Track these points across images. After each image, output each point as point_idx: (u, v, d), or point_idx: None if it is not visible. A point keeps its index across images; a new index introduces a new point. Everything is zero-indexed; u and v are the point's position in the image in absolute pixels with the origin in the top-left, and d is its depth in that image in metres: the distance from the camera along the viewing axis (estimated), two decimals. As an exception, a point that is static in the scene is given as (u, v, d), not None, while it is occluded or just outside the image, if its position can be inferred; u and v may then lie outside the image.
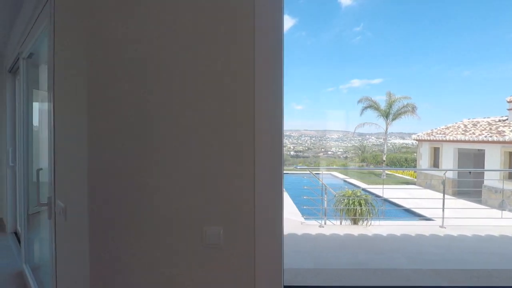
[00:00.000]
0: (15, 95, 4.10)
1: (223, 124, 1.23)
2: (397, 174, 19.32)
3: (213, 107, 1.23)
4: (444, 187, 5.64)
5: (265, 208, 1.25)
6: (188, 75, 1.22)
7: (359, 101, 19.55)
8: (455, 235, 4.58)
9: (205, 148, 1.23)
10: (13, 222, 4.14)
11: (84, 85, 1.24)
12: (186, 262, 1.25)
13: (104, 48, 1.23)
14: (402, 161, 24.87)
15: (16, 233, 4.10)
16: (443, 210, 5.15)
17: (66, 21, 1.53)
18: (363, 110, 19.35)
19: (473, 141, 11.89)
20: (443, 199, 5.31)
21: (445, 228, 4.97)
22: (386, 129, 19.73)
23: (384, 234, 4.53)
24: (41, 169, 1.85)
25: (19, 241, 3.79)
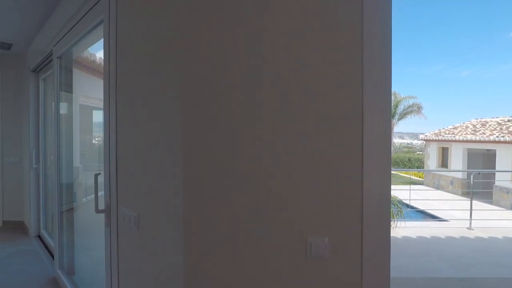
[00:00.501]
0: (38, 95, 3.99)
1: (329, 128, 1.14)
2: (401, 174, 19.24)
3: (321, 112, 1.14)
4: (471, 190, 5.56)
5: (373, 215, 1.16)
6: (296, 78, 1.13)
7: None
8: (486, 237, 4.51)
9: (311, 155, 1.14)
10: (37, 226, 4.03)
11: (177, 86, 1.15)
12: (289, 276, 1.16)
13: (201, 47, 1.13)
14: (405, 161, 24.83)
15: (39, 237, 3.98)
16: (470, 213, 5.08)
17: (137, 19, 1.43)
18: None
19: (485, 141, 11.84)
20: (471, 200, 5.24)
21: (473, 230, 4.90)
22: (392, 129, 19.68)
23: (414, 237, 4.45)
24: (99, 173, 1.75)
25: (45, 246, 3.68)
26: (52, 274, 2.95)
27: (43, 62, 3.50)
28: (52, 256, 3.41)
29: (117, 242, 1.64)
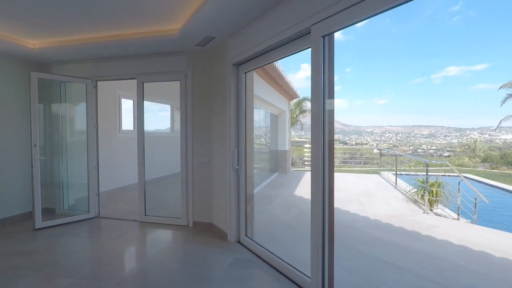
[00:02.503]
0: (238, 91, 3.71)
1: None
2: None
3: None
4: None
5: None
6: None
7: (500, 87, 16.20)
8: None
9: None
10: (237, 231, 3.78)
11: None
12: None
13: None
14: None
15: (240, 242, 3.72)
16: None
17: None
18: (506, 99, 15.96)
19: None
20: None
21: None
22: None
23: None
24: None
25: (256, 254, 3.35)
26: (308, 297, 2.50)
27: (255, 54, 3.14)
28: (275, 268, 3.02)
29: None
